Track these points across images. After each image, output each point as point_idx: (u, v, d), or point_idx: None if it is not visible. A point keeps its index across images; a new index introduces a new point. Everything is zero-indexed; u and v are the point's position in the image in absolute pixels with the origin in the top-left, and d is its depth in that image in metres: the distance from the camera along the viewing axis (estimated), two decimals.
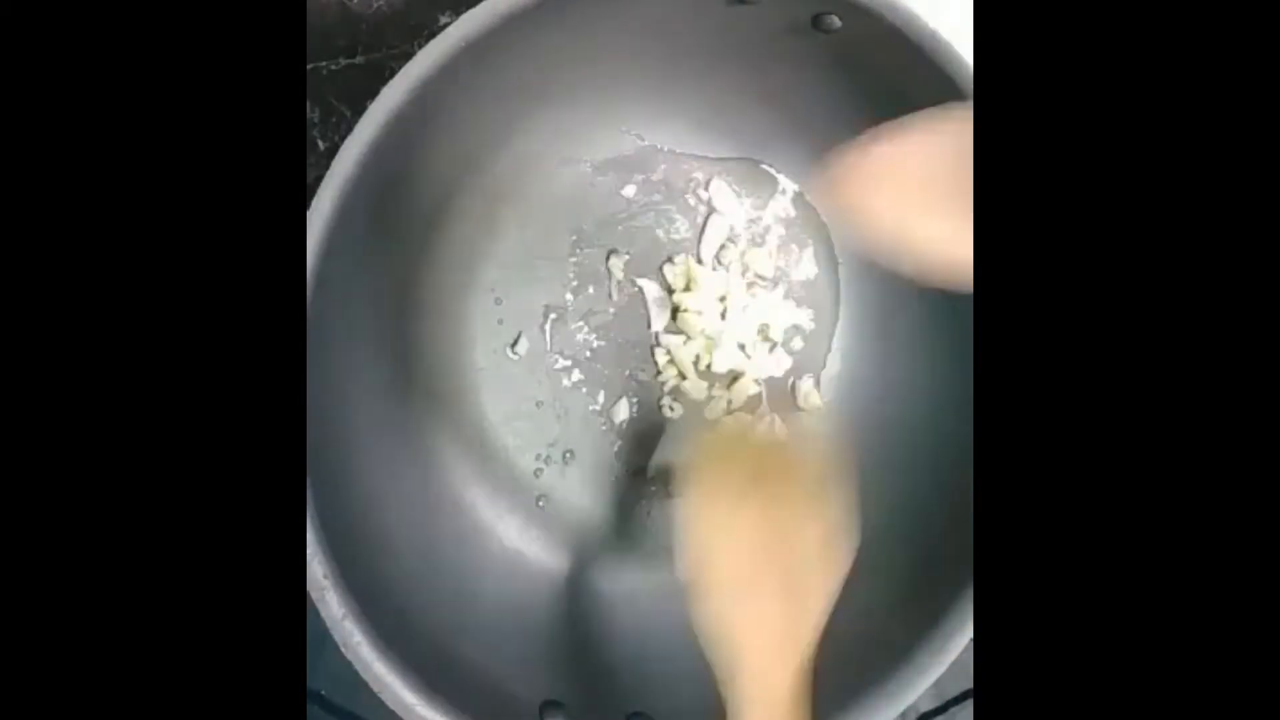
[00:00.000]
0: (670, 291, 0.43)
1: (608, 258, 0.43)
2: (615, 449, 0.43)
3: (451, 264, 0.42)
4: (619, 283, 0.43)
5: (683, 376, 0.43)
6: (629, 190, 0.43)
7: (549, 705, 0.38)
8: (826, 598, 0.32)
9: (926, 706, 0.41)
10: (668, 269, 0.43)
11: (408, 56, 0.34)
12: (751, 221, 0.43)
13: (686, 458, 0.36)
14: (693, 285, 0.42)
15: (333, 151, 0.34)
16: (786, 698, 0.31)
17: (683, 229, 0.43)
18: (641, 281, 0.43)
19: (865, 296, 0.43)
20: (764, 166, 0.43)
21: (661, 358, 0.43)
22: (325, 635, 0.33)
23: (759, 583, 0.33)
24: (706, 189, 0.43)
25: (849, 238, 0.42)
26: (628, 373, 0.43)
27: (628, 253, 0.43)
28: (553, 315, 0.43)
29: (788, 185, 0.43)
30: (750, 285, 0.43)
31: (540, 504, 0.43)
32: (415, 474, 0.41)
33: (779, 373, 0.43)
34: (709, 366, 0.43)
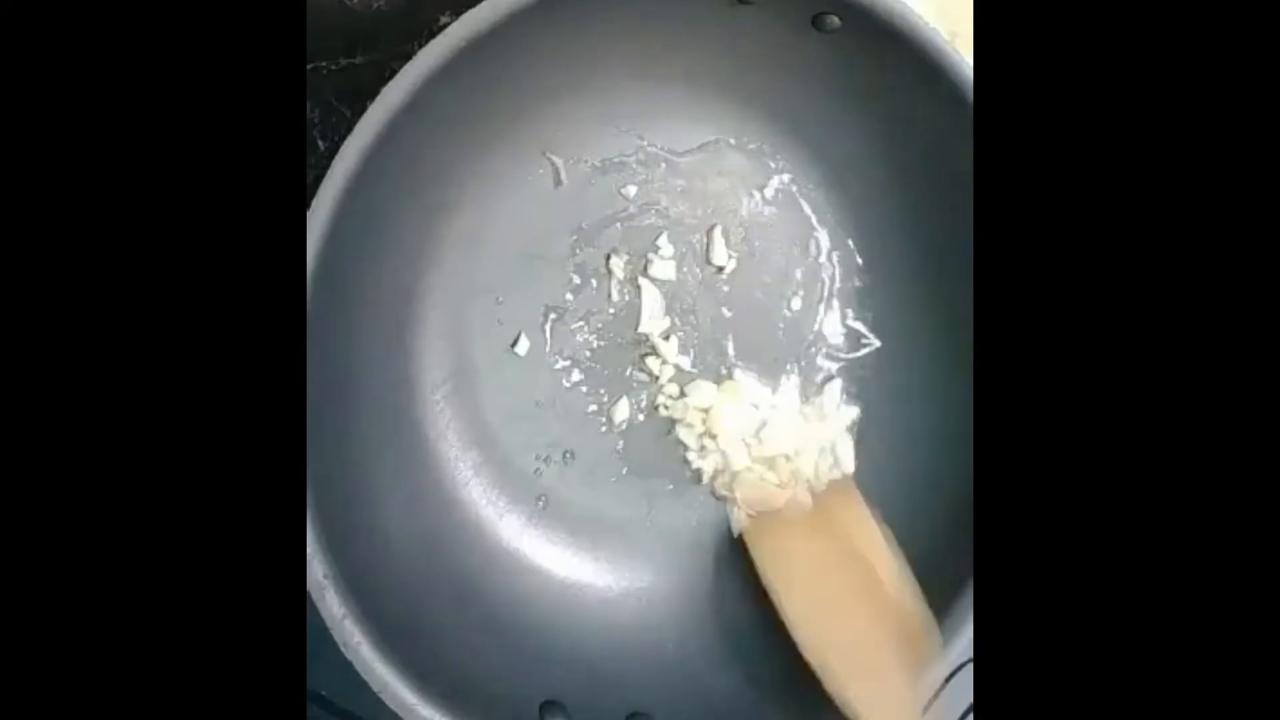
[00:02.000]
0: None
1: (608, 258, 0.43)
2: (615, 449, 0.43)
3: (451, 264, 0.42)
4: (619, 283, 0.43)
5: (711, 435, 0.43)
6: (629, 190, 0.43)
7: (549, 705, 0.38)
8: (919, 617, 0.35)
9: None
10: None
11: (408, 56, 0.34)
12: None
13: (762, 562, 0.39)
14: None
15: (333, 151, 0.34)
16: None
17: (683, 229, 0.43)
18: (642, 281, 0.43)
19: (863, 292, 0.43)
20: (763, 166, 0.43)
21: (654, 364, 0.43)
22: (325, 635, 0.33)
23: (859, 621, 0.36)
24: (707, 188, 0.43)
25: None
26: (628, 373, 0.43)
27: (628, 253, 0.43)
28: (553, 315, 0.43)
29: (785, 186, 0.43)
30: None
31: (540, 504, 0.43)
32: (415, 474, 0.41)
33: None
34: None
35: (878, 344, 0.43)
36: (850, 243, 0.43)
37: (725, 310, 0.43)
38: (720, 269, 0.43)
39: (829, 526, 0.38)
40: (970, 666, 0.38)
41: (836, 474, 0.42)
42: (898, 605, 0.35)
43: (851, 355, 0.43)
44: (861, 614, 0.36)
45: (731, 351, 0.43)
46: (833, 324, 0.43)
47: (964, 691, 0.35)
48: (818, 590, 0.36)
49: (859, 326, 0.43)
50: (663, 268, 0.43)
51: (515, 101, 0.40)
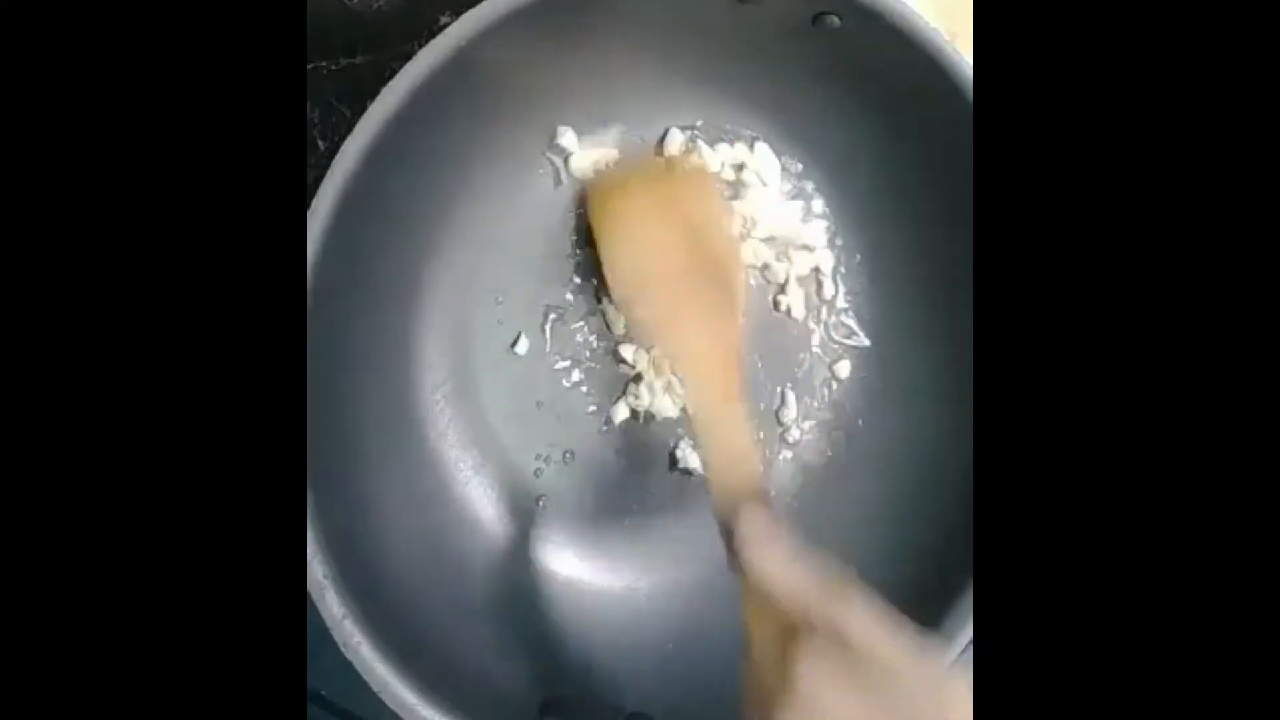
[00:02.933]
0: None
1: None
2: (615, 449, 0.43)
3: (451, 264, 0.42)
4: None
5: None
6: None
7: (549, 705, 0.38)
8: (742, 295, 0.36)
9: None
10: None
11: (408, 56, 0.34)
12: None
13: (601, 194, 0.39)
14: None
15: (333, 151, 0.34)
16: (729, 369, 0.34)
17: None
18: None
19: (863, 292, 0.43)
20: (764, 166, 0.43)
21: (628, 352, 0.43)
22: (325, 635, 0.33)
23: (691, 273, 0.36)
24: None
25: None
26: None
27: None
28: (553, 315, 0.43)
29: (786, 186, 0.43)
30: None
31: (540, 504, 0.43)
32: (415, 474, 0.41)
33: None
34: None
35: (867, 343, 0.43)
36: (849, 241, 0.43)
37: None
38: None
39: (672, 190, 0.39)
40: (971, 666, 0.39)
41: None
42: (729, 289, 0.36)
43: (848, 342, 0.43)
44: (695, 300, 0.36)
45: None
46: (831, 322, 0.43)
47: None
48: (654, 263, 0.37)
49: (852, 324, 0.43)
50: None
51: (515, 101, 0.40)
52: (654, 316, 0.36)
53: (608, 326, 0.43)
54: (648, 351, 0.42)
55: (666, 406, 0.43)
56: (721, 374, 0.34)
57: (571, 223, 0.43)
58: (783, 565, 0.28)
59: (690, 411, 0.35)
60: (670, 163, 0.41)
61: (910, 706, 0.25)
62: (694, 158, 0.41)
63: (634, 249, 0.38)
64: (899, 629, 0.26)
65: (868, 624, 0.25)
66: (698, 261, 0.36)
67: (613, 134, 0.42)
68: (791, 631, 0.26)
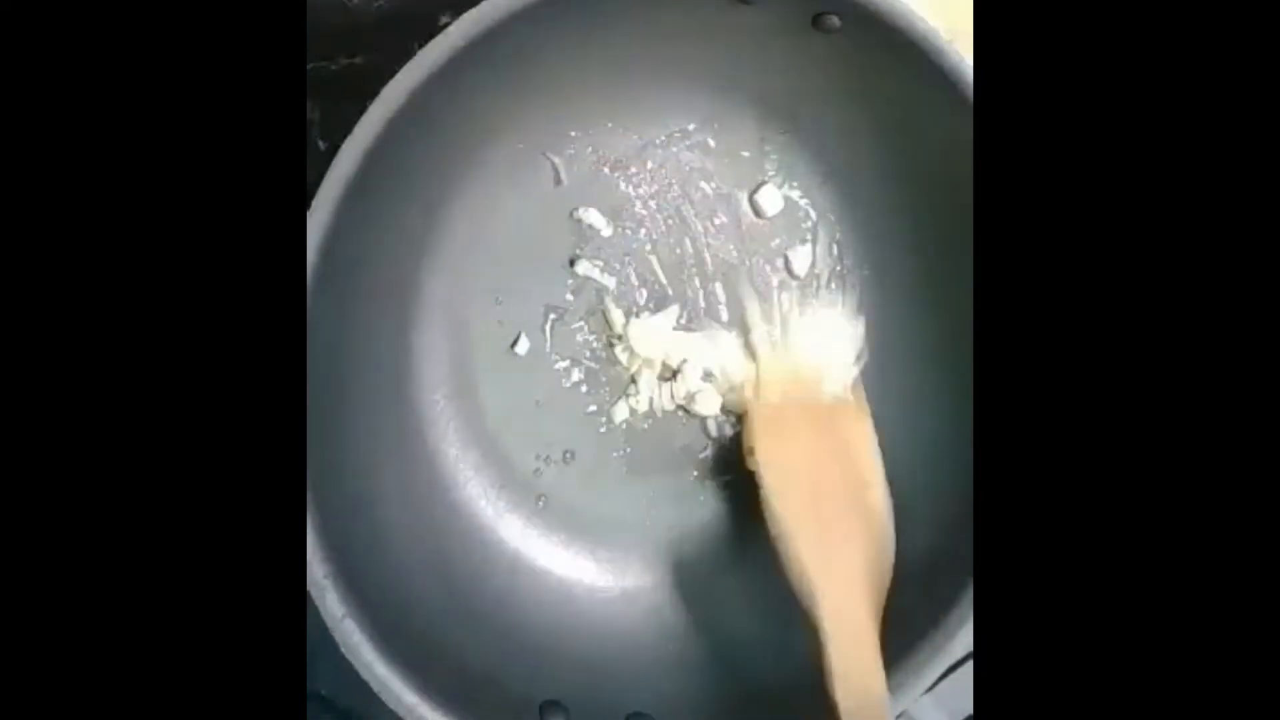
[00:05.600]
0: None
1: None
2: (615, 449, 0.43)
3: (451, 264, 0.42)
4: None
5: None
6: (630, 189, 0.43)
7: (549, 705, 0.38)
8: (893, 542, 0.36)
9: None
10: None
11: (408, 56, 0.34)
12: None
13: (755, 426, 0.39)
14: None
15: (333, 151, 0.34)
16: (870, 629, 0.34)
17: (684, 228, 0.43)
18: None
19: (868, 300, 0.43)
20: (764, 167, 0.43)
21: (622, 354, 0.43)
22: (325, 635, 0.33)
23: (842, 524, 0.37)
24: (707, 189, 0.43)
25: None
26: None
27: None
28: (553, 315, 0.43)
29: (787, 186, 0.43)
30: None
31: (540, 504, 0.43)
32: (415, 473, 0.41)
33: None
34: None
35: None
36: (849, 242, 0.43)
37: (723, 310, 0.43)
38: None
39: (832, 429, 0.40)
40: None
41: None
42: (879, 524, 0.37)
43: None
44: (844, 523, 0.37)
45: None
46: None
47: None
48: (808, 488, 0.38)
49: None
50: (663, 268, 0.43)
51: (515, 101, 0.40)
52: (815, 529, 0.37)
53: (609, 325, 0.43)
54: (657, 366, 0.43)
55: (666, 402, 0.43)
56: (873, 594, 0.35)
57: (571, 222, 0.43)
58: None
59: (826, 621, 0.34)
60: (833, 409, 0.41)
61: None
62: (854, 393, 0.42)
63: (798, 478, 0.38)
64: None
65: None
66: (851, 492, 0.37)
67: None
68: None
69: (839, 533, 0.36)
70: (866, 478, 0.38)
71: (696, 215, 0.43)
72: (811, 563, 0.35)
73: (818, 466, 0.38)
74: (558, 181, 0.42)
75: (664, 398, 0.43)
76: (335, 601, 0.34)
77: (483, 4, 0.34)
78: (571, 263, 0.42)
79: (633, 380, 0.43)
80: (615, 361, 0.43)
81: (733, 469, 0.43)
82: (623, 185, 0.43)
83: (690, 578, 0.42)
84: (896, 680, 0.34)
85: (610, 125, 0.42)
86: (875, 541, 0.36)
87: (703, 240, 0.43)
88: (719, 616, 0.42)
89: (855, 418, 0.39)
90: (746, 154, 0.43)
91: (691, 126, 0.43)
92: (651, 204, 0.43)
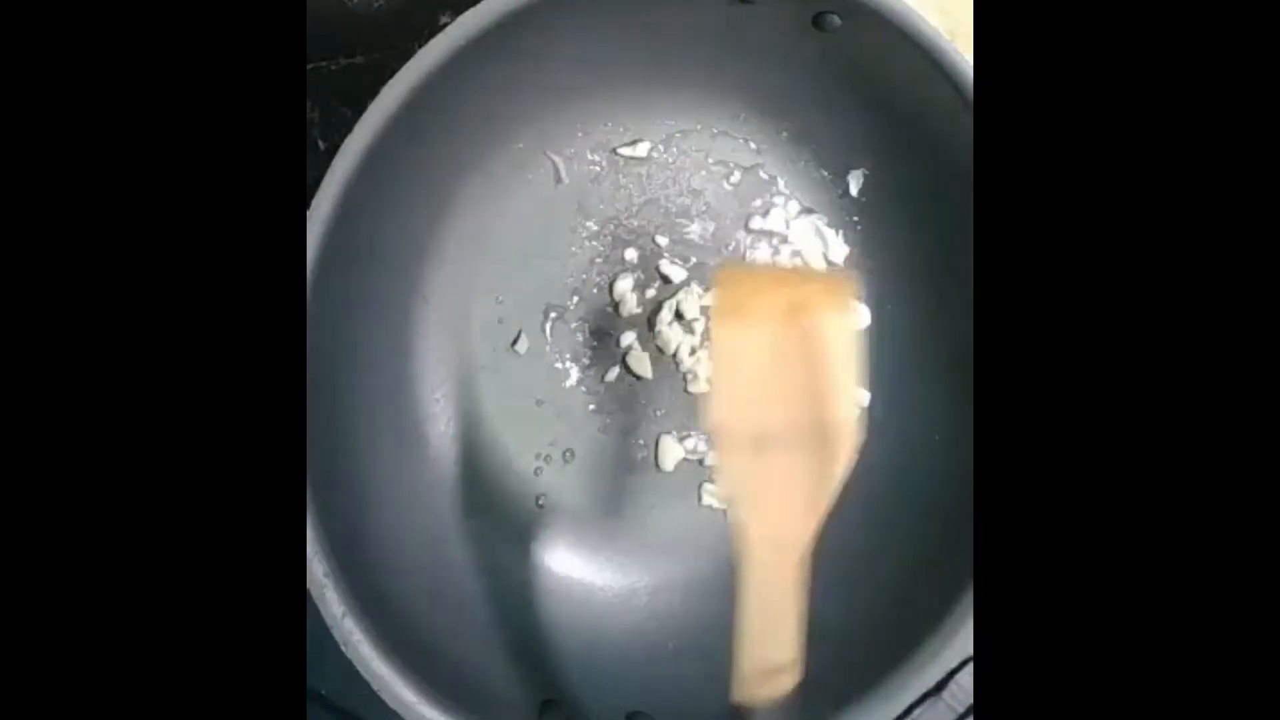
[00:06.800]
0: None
1: (607, 257, 0.43)
2: (615, 448, 0.43)
3: (452, 263, 0.42)
4: None
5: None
6: (629, 189, 0.43)
7: (548, 705, 0.38)
8: (845, 467, 0.30)
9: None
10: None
11: (408, 56, 0.34)
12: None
13: (722, 291, 0.30)
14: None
15: (333, 151, 0.34)
16: (796, 560, 0.30)
17: (684, 227, 0.43)
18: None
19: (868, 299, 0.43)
20: (764, 167, 0.43)
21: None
22: (325, 635, 0.34)
23: (786, 454, 0.30)
24: (708, 188, 0.43)
25: None
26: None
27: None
28: (553, 315, 0.43)
29: (786, 187, 0.43)
30: None
31: (540, 504, 0.43)
32: (415, 472, 0.41)
33: None
34: None
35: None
36: (849, 240, 0.43)
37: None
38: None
39: (801, 307, 0.30)
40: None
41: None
42: (835, 448, 0.30)
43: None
44: (789, 454, 0.30)
45: None
46: None
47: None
48: (755, 386, 0.29)
49: None
50: (666, 268, 0.43)
51: (515, 101, 0.40)
52: (749, 469, 0.30)
53: (608, 325, 0.43)
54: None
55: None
56: (807, 531, 0.30)
57: (572, 221, 0.43)
58: None
59: (750, 569, 0.30)
60: (807, 280, 0.36)
61: None
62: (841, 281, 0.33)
63: (746, 373, 0.30)
64: None
65: None
66: (810, 398, 0.29)
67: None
68: None
69: (781, 464, 0.29)
70: (831, 382, 0.29)
71: (698, 214, 0.43)
72: (742, 490, 0.30)
73: (774, 361, 0.29)
74: (558, 180, 0.42)
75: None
76: (335, 601, 0.34)
77: (483, 4, 0.34)
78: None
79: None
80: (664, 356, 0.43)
81: None
82: (624, 184, 0.43)
83: (690, 577, 0.42)
84: (897, 681, 0.34)
85: (610, 124, 0.42)
86: (825, 466, 0.29)
87: (705, 240, 0.43)
88: (719, 616, 0.42)
89: (833, 295, 0.30)
90: (747, 153, 0.43)
91: (692, 126, 0.43)
92: (652, 203, 0.43)
